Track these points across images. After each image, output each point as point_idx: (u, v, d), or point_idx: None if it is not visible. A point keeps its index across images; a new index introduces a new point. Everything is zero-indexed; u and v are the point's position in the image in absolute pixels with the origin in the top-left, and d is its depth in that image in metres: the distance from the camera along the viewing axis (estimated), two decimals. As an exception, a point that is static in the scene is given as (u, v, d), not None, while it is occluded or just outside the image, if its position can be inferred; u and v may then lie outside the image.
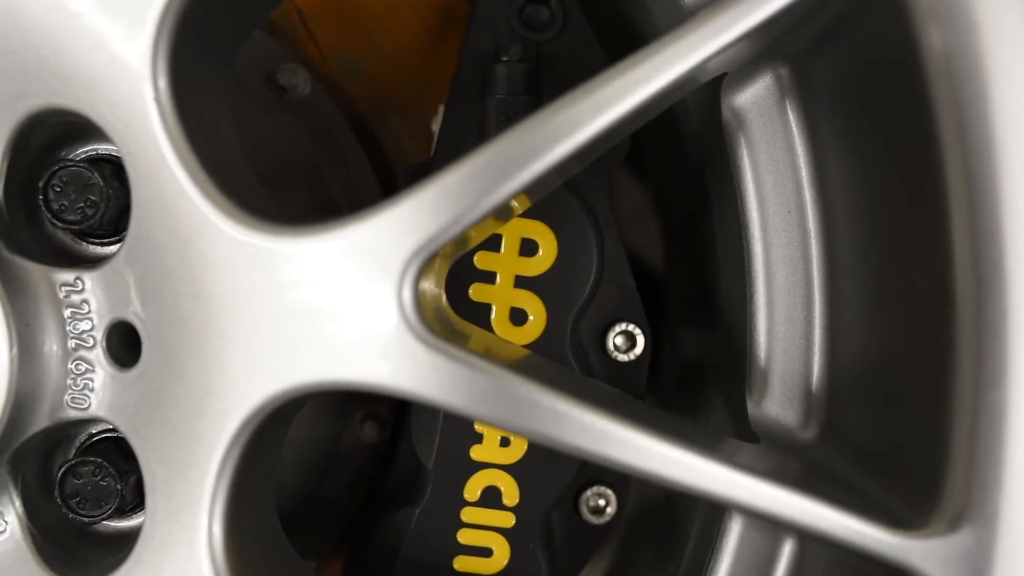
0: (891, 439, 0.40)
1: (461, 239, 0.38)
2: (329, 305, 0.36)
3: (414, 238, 0.35)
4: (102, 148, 0.42)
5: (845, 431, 0.43)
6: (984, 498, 0.35)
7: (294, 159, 0.53)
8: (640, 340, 0.50)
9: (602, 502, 0.51)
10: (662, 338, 0.63)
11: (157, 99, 0.37)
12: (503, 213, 0.41)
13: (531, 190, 0.37)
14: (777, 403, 0.45)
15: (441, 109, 0.51)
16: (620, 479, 0.50)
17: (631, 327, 0.49)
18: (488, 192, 0.35)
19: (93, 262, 0.41)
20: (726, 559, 0.45)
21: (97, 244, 0.43)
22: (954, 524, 0.36)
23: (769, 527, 0.45)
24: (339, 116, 0.54)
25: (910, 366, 0.40)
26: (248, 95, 0.51)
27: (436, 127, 0.52)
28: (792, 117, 0.44)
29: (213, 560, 0.38)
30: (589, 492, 0.50)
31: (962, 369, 0.36)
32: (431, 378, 0.35)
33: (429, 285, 0.37)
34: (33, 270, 0.40)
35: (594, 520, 0.50)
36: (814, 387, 0.44)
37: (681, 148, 0.53)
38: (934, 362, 0.37)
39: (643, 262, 0.71)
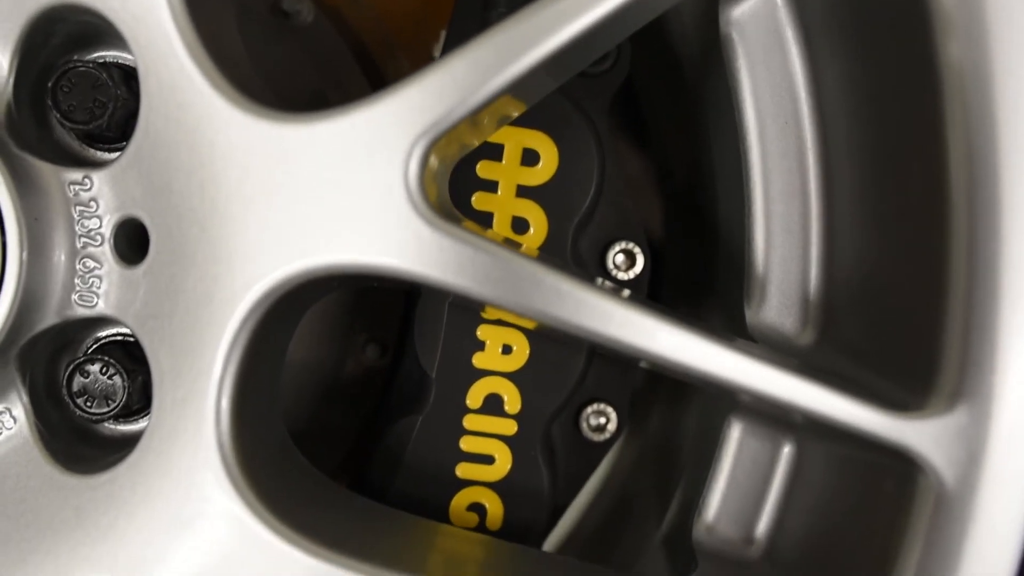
0: (888, 332, 0.41)
1: (463, 135, 0.39)
2: (334, 188, 0.36)
3: (419, 119, 0.36)
4: (111, 54, 0.43)
5: (842, 333, 0.43)
6: (978, 377, 0.36)
7: (297, 84, 0.53)
8: (640, 259, 0.50)
9: (602, 420, 0.51)
10: (660, 294, 0.64)
11: (167, -11, 0.37)
12: (502, 117, 0.42)
13: (528, 85, 0.38)
14: (775, 311, 0.45)
15: (443, 35, 0.51)
16: (619, 396, 0.51)
17: (631, 246, 0.50)
18: (492, 75, 0.35)
19: (100, 167, 0.42)
20: (725, 468, 0.46)
21: (104, 150, 0.43)
22: (949, 404, 0.36)
23: (768, 433, 0.46)
24: (342, 45, 0.54)
25: (905, 262, 0.40)
26: (252, 18, 0.51)
27: (438, 53, 0.52)
28: (789, 29, 0.45)
29: (220, 445, 0.38)
30: (589, 410, 0.51)
31: (956, 256, 0.37)
32: (436, 258, 0.36)
33: (434, 173, 0.37)
34: (42, 168, 0.40)
35: (594, 437, 0.51)
36: (811, 294, 0.45)
37: (676, 69, 0.54)
38: (929, 254, 0.38)
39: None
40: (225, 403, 0.38)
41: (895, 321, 0.41)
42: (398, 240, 0.36)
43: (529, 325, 0.44)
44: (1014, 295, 0.36)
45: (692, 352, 0.37)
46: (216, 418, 0.38)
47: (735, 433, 0.46)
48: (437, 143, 0.36)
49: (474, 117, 0.37)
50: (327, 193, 0.36)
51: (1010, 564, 0.36)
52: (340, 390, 0.55)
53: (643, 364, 0.43)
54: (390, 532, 0.42)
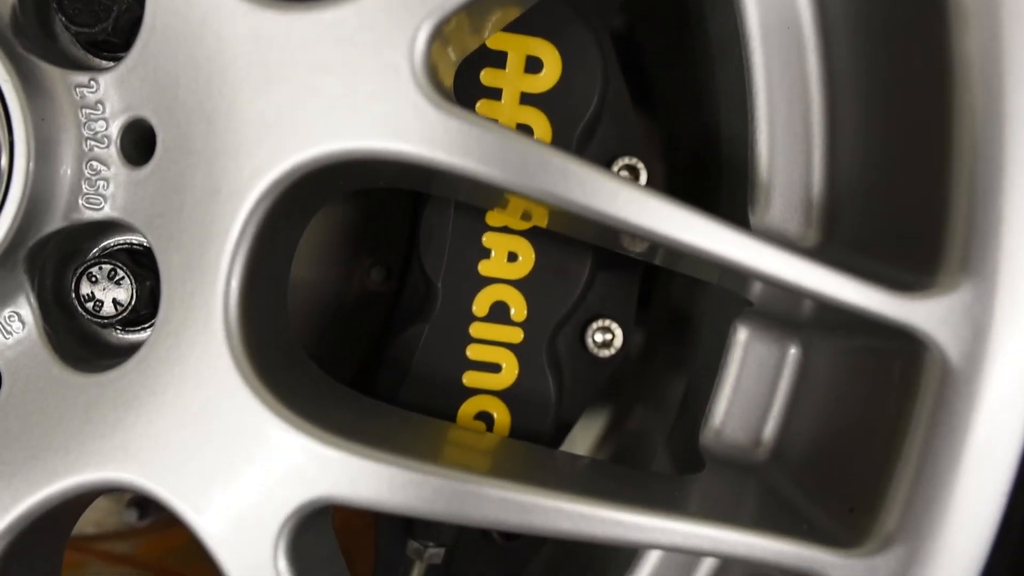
0: (892, 221, 0.41)
1: (463, 28, 0.39)
2: (340, 74, 0.36)
3: (423, 2, 0.36)
4: (114, -38, 0.43)
5: (846, 231, 0.44)
6: (982, 255, 0.36)
7: None
8: (643, 175, 0.50)
9: (608, 336, 0.51)
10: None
11: None
12: (498, 18, 0.42)
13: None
14: (779, 215, 0.46)
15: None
16: (624, 313, 0.51)
17: (634, 161, 0.50)
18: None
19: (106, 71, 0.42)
20: (732, 373, 0.46)
21: (108, 58, 0.43)
22: (954, 282, 0.37)
23: (774, 336, 0.46)
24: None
25: (908, 151, 0.40)
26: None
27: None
28: (789, -67, 0.45)
29: (229, 336, 0.38)
30: (595, 325, 0.51)
31: (959, 138, 0.37)
32: (443, 140, 0.36)
33: (439, 57, 0.37)
34: (49, 71, 0.41)
35: (600, 353, 0.51)
36: (815, 197, 0.45)
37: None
38: (932, 140, 0.38)
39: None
40: (233, 296, 0.38)
41: (899, 210, 0.41)
42: (404, 123, 0.36)
43: (540, 221, 0.44)
44: (1016, 174, 0.36)
45: (703, 233, 0.37)
46: (224, 309, 0.38)
47: (741, 338, 0.46)
48: (441, 27, 0.36)
49: (474, 5, 0.37)
50: (333, 79, 0.37)
51: (1016, 439, 0.37)
52: (346, 313, 0.55)
53: (657, 261, 0.43)
54: (401, 426, 0.42)
